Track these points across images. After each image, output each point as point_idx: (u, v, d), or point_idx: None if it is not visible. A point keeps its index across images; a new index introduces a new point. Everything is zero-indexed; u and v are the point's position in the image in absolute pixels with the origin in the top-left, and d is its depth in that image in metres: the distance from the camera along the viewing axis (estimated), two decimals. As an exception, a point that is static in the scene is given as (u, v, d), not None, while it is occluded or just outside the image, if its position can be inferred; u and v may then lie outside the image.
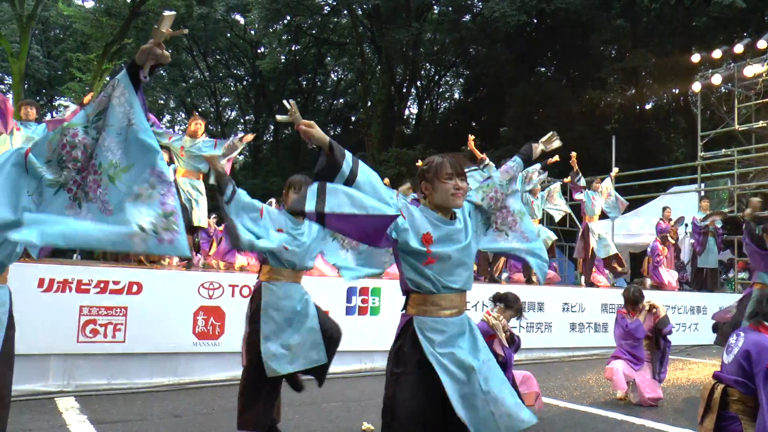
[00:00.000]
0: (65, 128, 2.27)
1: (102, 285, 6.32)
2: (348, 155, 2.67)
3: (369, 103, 31.93)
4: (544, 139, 3.63)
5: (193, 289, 6.79)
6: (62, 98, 39.99)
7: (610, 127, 26.53)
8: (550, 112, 26.92)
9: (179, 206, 2.40)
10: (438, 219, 2.83)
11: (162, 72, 38.48)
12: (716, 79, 15.56)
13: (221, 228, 11.31)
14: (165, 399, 6.09)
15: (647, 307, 6.68)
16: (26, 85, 32.03)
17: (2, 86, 37.04)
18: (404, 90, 32.38)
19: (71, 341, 6.12)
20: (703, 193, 15.57)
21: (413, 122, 37.19)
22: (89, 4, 32.96)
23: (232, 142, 7.69)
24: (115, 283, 6.39)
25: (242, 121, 43.65)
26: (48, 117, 41.12)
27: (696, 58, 16.60)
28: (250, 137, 8.04)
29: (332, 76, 41.30)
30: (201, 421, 5.33)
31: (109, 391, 6.19)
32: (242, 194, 4.20)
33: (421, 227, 2.78)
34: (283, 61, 37.10)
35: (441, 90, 38.48)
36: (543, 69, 30.99)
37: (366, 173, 2.69)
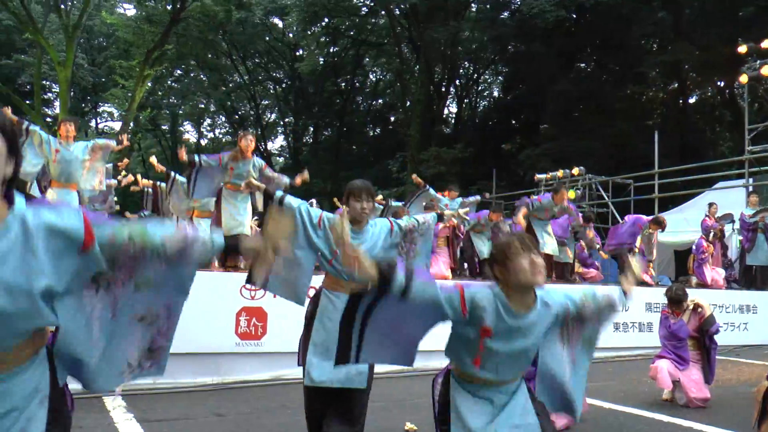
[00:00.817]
0: (137, 239, 2.00)
1: (146, 286, 6.40)
2: (400, 278, 2.49)
3: (408, 103, 31.95)
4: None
5: (235, 289, 6.85)
6: (106, 104, 40.91)
7: (653, 122, 26.10)
8: (590, 108, 26.58)
9: (170, 341, 2.39)
10: (508, 310, 2.60)
11: (202, 76, 39.04)
12: (766, 70, 15.15)
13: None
14: (208, 398, 6.16)
15: (692, 307, 6.51)
16: (72, 93, 32.81)
17: (50, 94, 38.06)
18: (443, 89, 32.30)
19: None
20: (751, 189, 15.16)
21: (452, 121, 37.07)
22: (131, 12, 33.65)
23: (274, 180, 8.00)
24: (159, 284, 6.46)
25: (282, 123, 44.05)
26: (92, 123, 41.95)
27: (743, 48, 16.16)
28: (304, 177, 8.35)
29: (371, 76, 41.41)
30: (244, 421, 5.38)
31: (153, 390, 6.28)
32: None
33: (481, 319, 2.59)
34: (321, 63, 37.35)
35: (480, 88, 38.29)
36: (583, 65, 30.60)
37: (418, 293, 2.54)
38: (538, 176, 19.42)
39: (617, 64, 27.94)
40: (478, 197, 13.10)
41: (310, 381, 3.91)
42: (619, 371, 8.42)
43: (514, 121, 33.20)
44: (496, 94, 38.44)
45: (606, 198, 17.78)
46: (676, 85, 27.54)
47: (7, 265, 1.69)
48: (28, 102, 31.06)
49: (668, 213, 16.33)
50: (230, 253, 2.27)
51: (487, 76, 37.09)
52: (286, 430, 5.10)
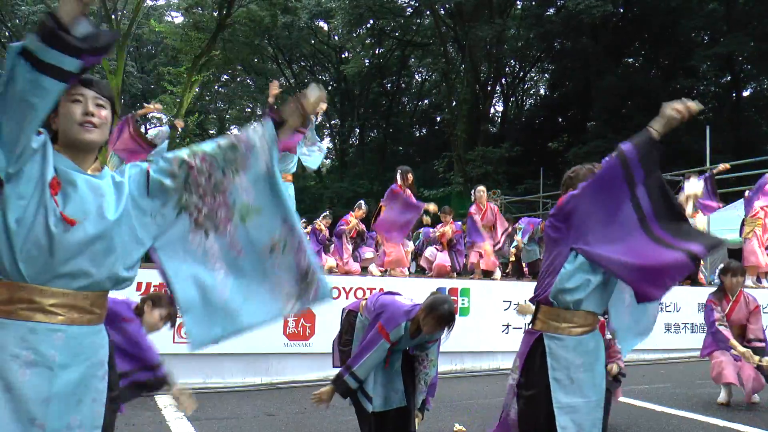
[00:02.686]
0: (193, 150, 2.22)
1: (196, 288, 6.51)
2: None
3: (454, 103, 31.77)
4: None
5: (283, 290, 6.90)
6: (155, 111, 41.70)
7: (704, 117, 25.45)
8: (639, 104, 26.02)
9: (313, 256, 2.36)
10: None
11: (249, 81, 39.51)
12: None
13: (308, 230, 11.47)
14: (258, 398, 6.23)
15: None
16: (122, 100, 33.57)
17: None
18: (489, 88, 32.04)
19: (168, 342, 6.32)
20: (810, 184, 14.62)
21: (499, 120, 36.78)
22: (179, 20, 34.27)
23: None
24: (209, 286, 6.56)
25: (328, 125, 44.30)
26: (142, 129, 42.88)
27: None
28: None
29: (416, 77, 41.35)
30: (294, 420, 5.42)
31: (204, 389, 6.38)
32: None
33: None
34: (367, 64, 37.42)
35: (526, 86, 37.91)
36: (630, 60, 30.01)
37: None
38: (587, 174, 19.08)
39: (666, 58, 27.33)
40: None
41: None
42: (671, 373, 8.23)
43: (561, 119, 32.78)
44: (542, 91, 38.04)
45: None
46: (729, 78, 26.79)
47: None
48: (82, 110, 31.91)
49: (721, 211, 15.87)
50: (281, 124, 2.34)
51: (534, 74, 36.69)
52: (335, 430, 5.12)
